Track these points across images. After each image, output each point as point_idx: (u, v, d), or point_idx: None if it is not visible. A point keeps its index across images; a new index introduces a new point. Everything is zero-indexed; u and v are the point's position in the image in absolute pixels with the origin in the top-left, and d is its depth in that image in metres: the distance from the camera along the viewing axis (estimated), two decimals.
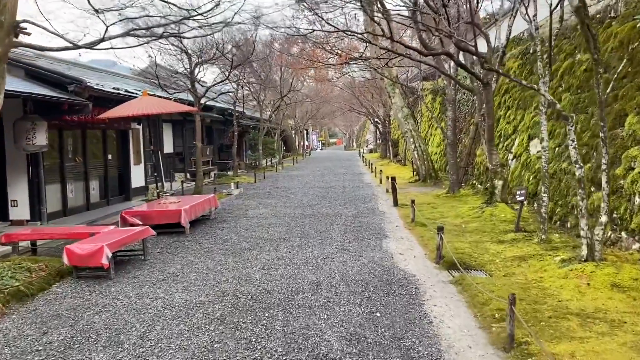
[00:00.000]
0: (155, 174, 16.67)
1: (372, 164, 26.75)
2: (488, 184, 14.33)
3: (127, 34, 7.54)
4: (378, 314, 5.22)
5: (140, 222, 9.59)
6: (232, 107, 22.96)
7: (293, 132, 46.92)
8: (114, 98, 11.98)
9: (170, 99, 14.30)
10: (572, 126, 6.48)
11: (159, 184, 16.90)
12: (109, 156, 13.92)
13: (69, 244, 6.95)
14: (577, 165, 6.45)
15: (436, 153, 22.67)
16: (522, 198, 9.20)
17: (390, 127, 34.51)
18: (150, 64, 16.47)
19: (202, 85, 15.57)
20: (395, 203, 13.17)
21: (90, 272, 6.84)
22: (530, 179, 11.49)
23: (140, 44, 8.15)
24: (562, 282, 6.06)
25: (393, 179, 13.39)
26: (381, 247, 8.41)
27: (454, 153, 14.64)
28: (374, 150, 49.75)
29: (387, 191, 16.11)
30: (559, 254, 7.14)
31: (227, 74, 17.49)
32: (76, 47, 7.17)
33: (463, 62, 12.69)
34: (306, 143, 55.61)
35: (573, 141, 6.49)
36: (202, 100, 17.26)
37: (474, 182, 15.91)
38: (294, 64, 23.00)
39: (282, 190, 17.10)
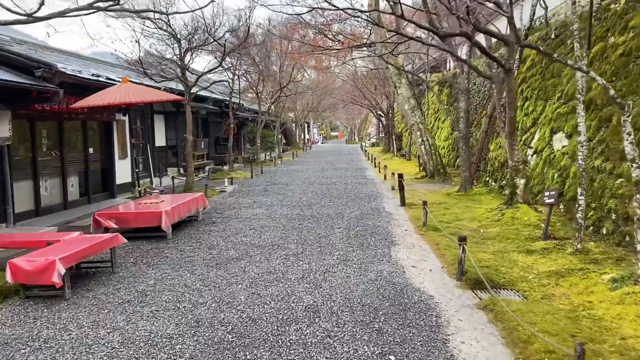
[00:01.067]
0: (138, 169, 15.50)
1: (375, 158, 25.55)
2: (503, 182, 13.16)
3: (90, 6, 6.34)
4: (392, 358, 4.05)
5: (116, 225, 8.45)
6: (229, 99, 21.79)
7: (293, 125, 45.68)
8: (92, 85, 10.78)
9: (157, 88, 13.10)
10: (628, 116, 5.28)
11: (148, 180, 15.74)
12: (91, 150, 12.74)
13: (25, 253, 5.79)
14: (635, 165, 5.25)
15: (443, 147, 21.46)
16: (551, 200, 8.00)
17: (393, 120, 33.26)
18: (145, 53, 15.25)
19: (192, 73, 14.36)
20: (403, 202, 11.99)
21: (41, 290, 5.68)
22: (555, 177, 10.28)
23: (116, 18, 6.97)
24: (618, 309, 4.89)
25: (400, 176, 12.21)
26: (390, 257, 7.23)
27: (466, 148, 13.45)
28: (376, 143, 48.51)
29: (393, 188, 14.94)
30: (605, 270, 5.96)
31: (221, 61, 16.23)
32: (30, 18, 5.98)
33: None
34: (307, 136, 54.37)
35: (629, 134, 5.30)
36: (195, 90, 16.06)
37: (488, 179, 14.71)
38: (293, 53, 21.73)
39: (280, 187, 15.92)
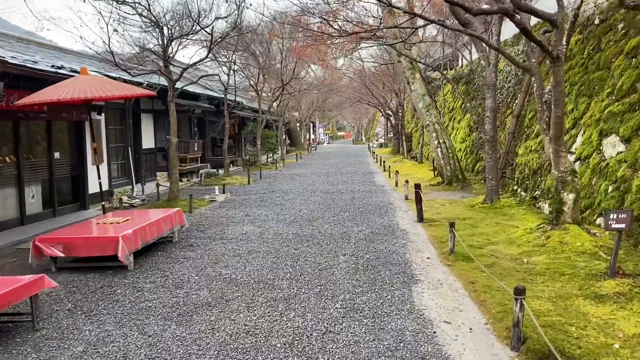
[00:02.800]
0: (123, 175, 13.74)
1: (384, 161, 23.69)
2: (536, 192, 11.29)
3: None
4: None
5: (62, 254, 6.67)
6: (230, 97, 20.03)
7: (298, 124, 43.87)
8: (48, 78, 9.02)
9: (132, 82, 11.31)
10: None
11: (130, 187, 13.98)
12: (57, 154, 11.00)
13: None
14: None
15: (460, 150, 19.55)
16: (622, 225, 6.11)
17: (403, 120, 31.37)
18: (123, 44, 13.40)
19: (173, 66, 12.56)
20: (420, 218, 10.13)
21: None
22: (609, 190, 8.40)
23: None
24: None
25: (417, 187, 10.34)
26: (413, 303, 5.39)
27: (493, 152, 11.57)
28: (384, 144, 46.62)
29: (407, 198, 13.09)
30: None
31: (214, 54, 14.38)
32: None
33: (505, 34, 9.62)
34: (312, 136, 52.56)
35: None
36: (180, 85, 14.27)
37: (516, 187, 12.82)
38: (296, 47, 19.88)
39: (278, 196, 14.10)
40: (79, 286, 6.19)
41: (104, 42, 12.19)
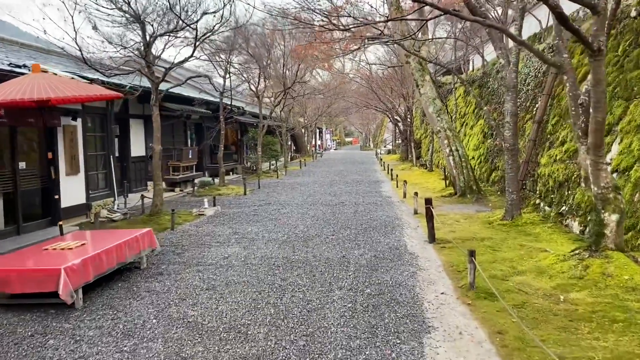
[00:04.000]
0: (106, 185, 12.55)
1: (391, 169, 22.37)
2: (564, 207, 9.93)
3: None
4: None
5: None
6: (227, 101, 18.84)
7: (304, 130, 42.64)
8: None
9: (109, 85, 10.12)
10: None
11: (112, 200, 12.78)
12: (22, 164, 9.82)
13: None
14: None
15: (473, 158, 18.19)
16: None
17: (412, 126, 30.03)
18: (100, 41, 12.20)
19: (158, 66, 11.34)
20: (432, 238, 8.81)
21: None
22: None
23: None
24: None
25: (428, 202, 8.99)
26: None
27: (514, 162, 10.23)
28: (392, 151, 45.29)
29: (416, 212, 11.78)
30: None
31: (210, 54, 13.15)
32: None
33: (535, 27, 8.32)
34: (318, 142, 51.31)
35: None
36: (165, 87, 13.09)
37: (538, 201, 11.47)
38: (297, 47, 18.65)
39: (274, 209, 12.83)
40: (4, 334, 4.95)
41: (71, 36, 10.92)
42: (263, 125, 22.04)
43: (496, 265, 7.05)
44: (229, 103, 17.35)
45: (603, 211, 6.65)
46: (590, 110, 6.50)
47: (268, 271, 6.96)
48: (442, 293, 6.01)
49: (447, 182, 16.92)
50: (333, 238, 9.09)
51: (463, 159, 14.30)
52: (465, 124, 21.12)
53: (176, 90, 17.56)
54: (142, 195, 12.65)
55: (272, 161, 27.06)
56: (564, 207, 10.01)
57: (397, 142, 42.65)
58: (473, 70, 23.18)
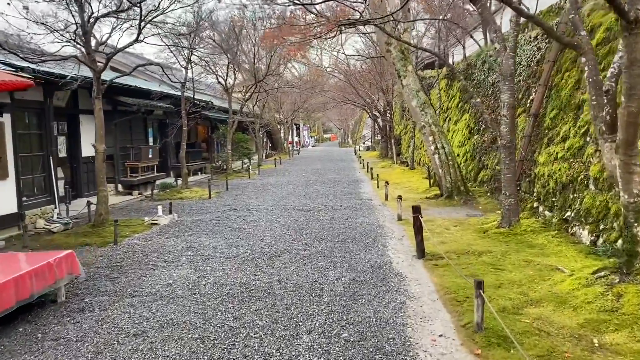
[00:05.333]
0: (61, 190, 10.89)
1: (371, 167, 21.02)
2: (568, 212, 8.66)
3: None
4: None
5: None
6: (195, 95, 17.22)
7: (280, 126, 41.04)
8: None
9: (39, 75, 8.49)
10: None
11: (52, 207, 11.13)
12: None
13: None
14: None
15: (459, 155, 16.93)
16: None
17: (392, 121, 28.73)
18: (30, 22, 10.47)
19: (97, 51, 9.69)
20: (421, 253, 7.44)
21: None
22: None
23: None
24: None
25: (416, 210, 7.58)
26: None
27: (511, 161, 8.92)
28: (371, 147, 44.02)
29: (400, 219, 10.43)
30: None
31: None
32: None
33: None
34: (295, 139, 49.78)
35: None
36: (109, 78, 11.48)
37: (536, 204, 10.21)
38: (266, 34, 17.09)
39: (240, 216, 11.33)
40: None
41: None
42: (233, 121, 20.45)
43: (503, 291, 5.70)
44: (193, 97, 15.70)
45: (636, 224, 5.35)
46: (622, 99, 5.18)
47: (219, 305, 5.49)
48: (441, 335, 4.63)
49: (432, 181, 15.64)
50: (305, 254, 7.65)
51: (450, 157, 13.00)
52: (448, 119, 19.86)
53: (133, 82, 15.93)
54: (88, 201, 11.04)
55: (245, 159, 25.47)
56: (568, 213, 8.73)
57: (376, 138, 41.42)
58: (454, 64, 21.94)
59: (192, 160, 21.44)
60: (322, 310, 5.26)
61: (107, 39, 10.13)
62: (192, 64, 16.35)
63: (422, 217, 7.52)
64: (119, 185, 15.39)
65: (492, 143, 13.89)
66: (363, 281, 6.23)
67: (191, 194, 14.62)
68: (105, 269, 7.10)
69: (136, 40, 9.47)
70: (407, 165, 23.39)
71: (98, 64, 9.54)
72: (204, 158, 24.33)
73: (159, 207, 10.76)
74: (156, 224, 10.37)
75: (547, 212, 9.59)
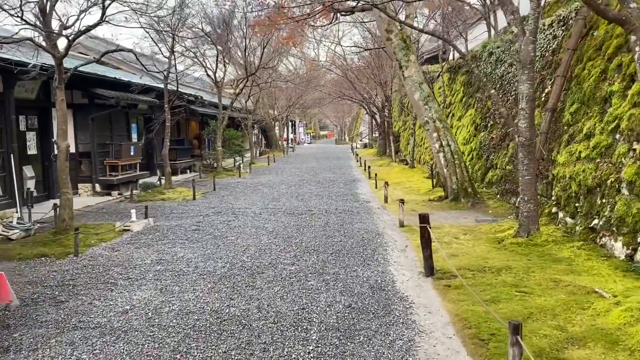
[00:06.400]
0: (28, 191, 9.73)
1: (369, 166, 19.90)
2: (596, 220, 7.56)
3: None
4: None
5: None
6: (182, 88, 16.04)
7: (276, 123, 39.86)
8: None
9: None
10: None
11: (14, 210, 9.98)
12: None
13: None
14: None
15: (463, 153, 15.80)
16: None
17: (390, 117, 27.58)
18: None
19: (60, 35, 8.51)
20: (430, 270, 6.32)
21: None
22: None
23: None
24: None
25: (424, 219, 6.43)
26: None
27: (531, 162, 7.80)
28: (369, 145, 42.89)
29: (402, 225, 9.33)
30: None
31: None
32: None
33: None
34: (291, 136, 48.62)
35: None
36: (71, 65, 10.32)
37: (554, 209, 9.11)
38: (259, 22, 15.92)
39: (224, 221, 10.19)
40: None
41: None
42: (223, 116, 19.28)
43: (536, 325, 4.59)
44: (177, 89, 14.49)
45: None
46: None
47: (179, 344, 4.36)
48: None
49: (435, 181, 14.53)
50: (292, 270, 6.52)
51: (456, 156, 11.89)
52: (451, 114, 18.74)
53: (113, 74, 14.77)
54: (55, 204, 9.87)
55: (237, 157, 24.32)
56: (596, 221, 7.63)
57: (373, 135, 40.30)
58: (453, 59, 20.81)
59: (180, 157, 20.28)
60: (309, 352, 4.13)
61: (76, 22, 8.91)
62: (179, 55, 15.21)
63: (430, 227, 6.40)
64: (97, 185, 14.23)
65: (501, 140, 12.78)
66: (361, 309, 5.10)
67: (174, 195, 13.47)
68: (55, 288, 5.96)
69: (101, 20, 8.27)
70: (407, 164, 22.28)
71: (59, 49, 8.36)
72: (195, 155, 23.15)
73: (133, 211, 9.60)
74: (128, 230, 9.22)
75: (568, 219, 8.48)
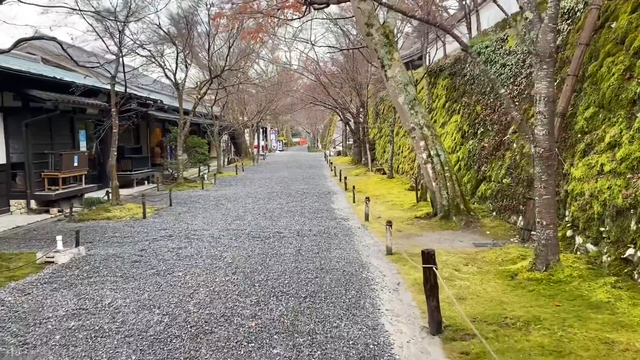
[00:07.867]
0: None
1: (345, 176, 18.33)
2: (630, 248, 6.11)
3: None
4: None
5: None
6: (136, 90, 14.17)
7: (246, 130, 38.01)
8: None
9: None
10: None
11: None
12: None
13: None
14: None
15: None
16: None
17: (366, 124, 26.13)
18: None
19: None
20: (437, 326, 4.73)
21: None
22: None
23: None
24: None
25: (429, 258, 4.85)
26: None
27: (550, 178, 6.32)
28: (343, 152, 41.41)
29: (390, 253, 7.73)
30: None
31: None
32: None
33: None
34: (262, 143, 46.82)
35: None
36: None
37: (571, 232, 7.67)
38: (222, 15, 14.20)
39: (173, 249, 8.42)
40: None
41: None
42: (185, 122, 17.46)
43: None
44: (125, 90, 12.62)
45: None
46: None
47: None
48: None
49: (420, 194, 13.04)
50: (250, 332, 4.84)
51: (446, 168, 10.41)
52: (434, 121, 17.35)
53: (51, 73, 12.86)
54: None
55: (202, 166, 22.45)
56: (631, 250, 6.18)
57: (347, 142, 38.86)
58: (431, 64, 19.47)
59: (136, 167, 18.33)
60: None
61: None
62: (129, 51, 13.37)
63: (437, 269, 4.82)
64: (32, 202, 12.25)
65: (495, 149, 11.37)
66: None
67: (121, 213, 11.60)
68: None
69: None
70: (384, 174, 20.80)
71: None
72: (157, 164, 21.18)
73: (59, 238, 7.74)
74: (51, 262, 7.39)
75: (590, 246, 7.03)
